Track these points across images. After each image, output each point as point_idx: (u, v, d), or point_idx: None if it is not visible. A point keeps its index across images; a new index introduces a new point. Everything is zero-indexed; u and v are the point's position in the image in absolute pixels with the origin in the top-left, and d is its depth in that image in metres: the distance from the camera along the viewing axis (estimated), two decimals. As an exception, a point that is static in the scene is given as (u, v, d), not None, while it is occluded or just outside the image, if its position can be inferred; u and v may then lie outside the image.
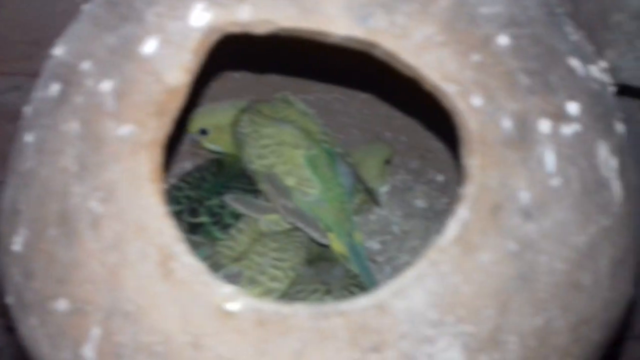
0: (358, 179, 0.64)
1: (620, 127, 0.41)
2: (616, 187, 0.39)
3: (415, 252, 0.66)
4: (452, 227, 0.33)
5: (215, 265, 0.59)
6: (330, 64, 0.63)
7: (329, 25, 0.33)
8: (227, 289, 0.32)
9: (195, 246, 0.61)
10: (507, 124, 0.35)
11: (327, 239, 0.59)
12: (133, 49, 0.35)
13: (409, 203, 0.71)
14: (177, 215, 0.62)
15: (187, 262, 0.32)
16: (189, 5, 0.35)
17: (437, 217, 0.69)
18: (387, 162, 0.70)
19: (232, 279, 0.57)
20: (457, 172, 0.68)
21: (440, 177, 0.71)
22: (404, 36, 0.34)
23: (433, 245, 0.33)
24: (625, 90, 0.59)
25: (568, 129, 0.37)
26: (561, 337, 0.36)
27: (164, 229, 0.32)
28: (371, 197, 0.67)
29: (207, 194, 0.64)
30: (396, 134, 0.71)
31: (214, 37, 0.34)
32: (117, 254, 0.33)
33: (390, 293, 0.32)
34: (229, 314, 0.32)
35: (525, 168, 0.35)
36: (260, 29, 0.34)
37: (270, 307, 0.32)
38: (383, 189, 0.71)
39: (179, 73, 0.34)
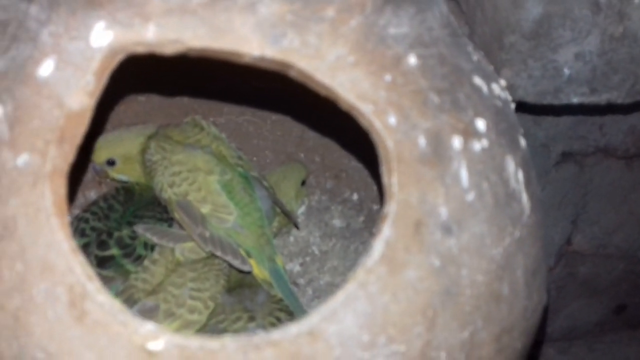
0: (275, 201, 0.63)
1: (523, 142, 0.42)
2: (524, 199, 0.40)
3: (336, 272, 0.66)
4: (377, 246, 0.33)
5: (129, 300, 0.56)
6: (236, 86, 0.63)
7: (242, 45, 0.32)
8: (148, 327, 0.29)
9: (105, 281, 0.57)
10: (422, 141, 0.36)
11: (248, 266, 0.57)
12: (28, 72, 0.33)
13: (327, 223, 0.71)
14: (84, 248, 0.58)
15: (101, 301, 0.29)
16: (89, 24, 0.32)
17: (354, 236, 0.69)
18: (303, 182, 0.70)
19: (148, 313, 0.54)
20: (372, 191, 0.70)
21: (355, 196, 0.72)
22: (317, 56, 0.34)
23: (360, 265, 0.32)
24: (519, 107, 0.62)
25: (478, 145, 0.38)
26: (486, 349, 0.36)
27: (73, 266, 0.30)
28: (290, 219, 0.66)
29: (116, 225, 0.60)
30: (310, 154, 0.72)
31: (118, 58, 0.32)
32: (20, 297, 0.30)
33: (321, 318, 0.31)
34: (152, 354, 0.29)
35: (442, 184, 0.35)
36: (168, 49, 0.32)
37: (196, 343, 0.30)
38: (300, 210, 0.71)
39: (80, 96, 0.32)
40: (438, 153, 0.35)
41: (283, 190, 0.68)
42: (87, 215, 0.62)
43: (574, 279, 0.87)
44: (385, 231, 0.33)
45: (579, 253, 0.85)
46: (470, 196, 0.36)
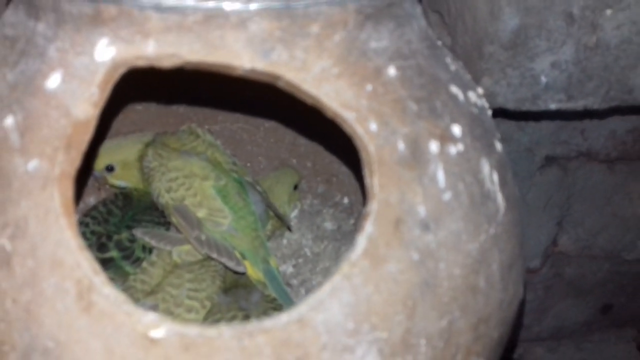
0: (269, 205, 0.66)
1: (499, 146, 0.45)
2: (499, 199, 0.43)
3: (328, 273, 0.69)
4: (360, 242, 0.36)
5: None
6: (232, 94, 0.65)
7: (234, 59, 0.35)
8: (150, 316, 0.32)
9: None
10: (401, 146, 0.38)
11: (242, 267, 0.60)
12: (36, 85, 0.35)
13: (318, 226, 0.73)
14: None
15: (107, 293, 0.32)
16: (94, 40, 0.35)
17: (345, 238, 0.72)
18: (296, 187, 0.72)
19: None
20: (362, 195, 0.72)
21: (345, 200, 0.74)
22: (303, 69, 0.37)
23: (345, 259, 0.35)
24: (502, 113, 0.65)
25: (454, 149, 0.41)
26: (464, 337, 0.39)
27: (80, 262, 0.32)
28: (283, 222, 0.69)
29: (115, 228, 0.63)
30: (301, 160, 0.75)
31: (120, 71, 0.35)
32: (31, 291, 0.32)
33: (309, 307, 0.34)
34: (154, 341, 0.32)
35: (420, 185, 0.38)
36: (166, 63, 0.35)
37: (194, 330, 0.32)
38: (292, 214, 0.73)
39: (86, 107, 0.34)
40: (416, 156, 0.38)
41: (276, 195, 0.70)
42: (87, 219, 0.64)
43: (560, 280, 0.89)
44: (368, 228, 0.36)
45: (564, 254, 0.87)
46: (447, 196, 0.39)
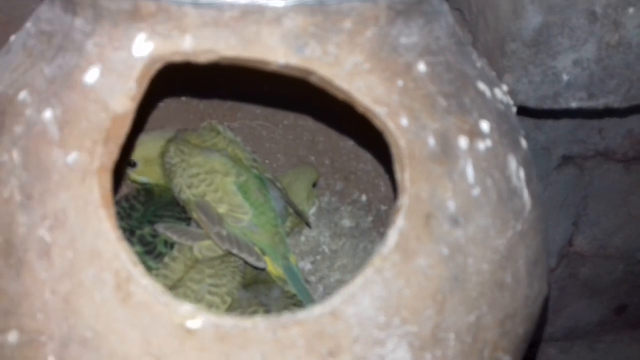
0: (288, 202, 0.67)
1: (524, 143, 0.46)
2: (526, 196, 0.43)
3: (346, 270, 0.69)
4: (392, 236, 0.36)
5: None
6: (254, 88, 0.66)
7: (269, 54, 0.36)
8: (187, 307, 0.33)
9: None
10: (431, 141, 0.39)
11: (263, 263, 0.60)
12: (75, 79, 0.36)
13: (337, 223, 0.74)
14: None
15: (145, 284, 0.33)
16: (132, 36, 0.36)
17: (363, 235, 0.72)
18: (314, 185, 0.73)
19: None
20: (380, 192, 0.73)
21: (363, 198, 0.75)
22: (336, 64, 0.37)
23: (377, 253, 0.36)
24: (523, 111, 0.65)
25: (482, 145, 0.41)
26: (491, 332, 0.39)
27: (119, 253, 0.33)
28: (302, 219, 0.70)
29: (138, 224, 0.64)
30: (320, 157, 0.75)
31: (157, 66, 0.36)
32: (70, 282, 0.33)
33: (341, 300, 0.34)
34: (190, 332, 0.32)
35: (450, 180, 0.39)
36: (203, 59, 0.36)
37: (230, 322, 0.33)
38: (311, 211, 0.74)
39: (124, 101, 0.35)
40: (446, 152, 0.39)
41: (295, 192, 0.71)
42: None
43: (575, 280, 0.89)
44: (399, 222, 0.36)
45: (580, 254, 0.87)
46: (476, 191, 0.39)
